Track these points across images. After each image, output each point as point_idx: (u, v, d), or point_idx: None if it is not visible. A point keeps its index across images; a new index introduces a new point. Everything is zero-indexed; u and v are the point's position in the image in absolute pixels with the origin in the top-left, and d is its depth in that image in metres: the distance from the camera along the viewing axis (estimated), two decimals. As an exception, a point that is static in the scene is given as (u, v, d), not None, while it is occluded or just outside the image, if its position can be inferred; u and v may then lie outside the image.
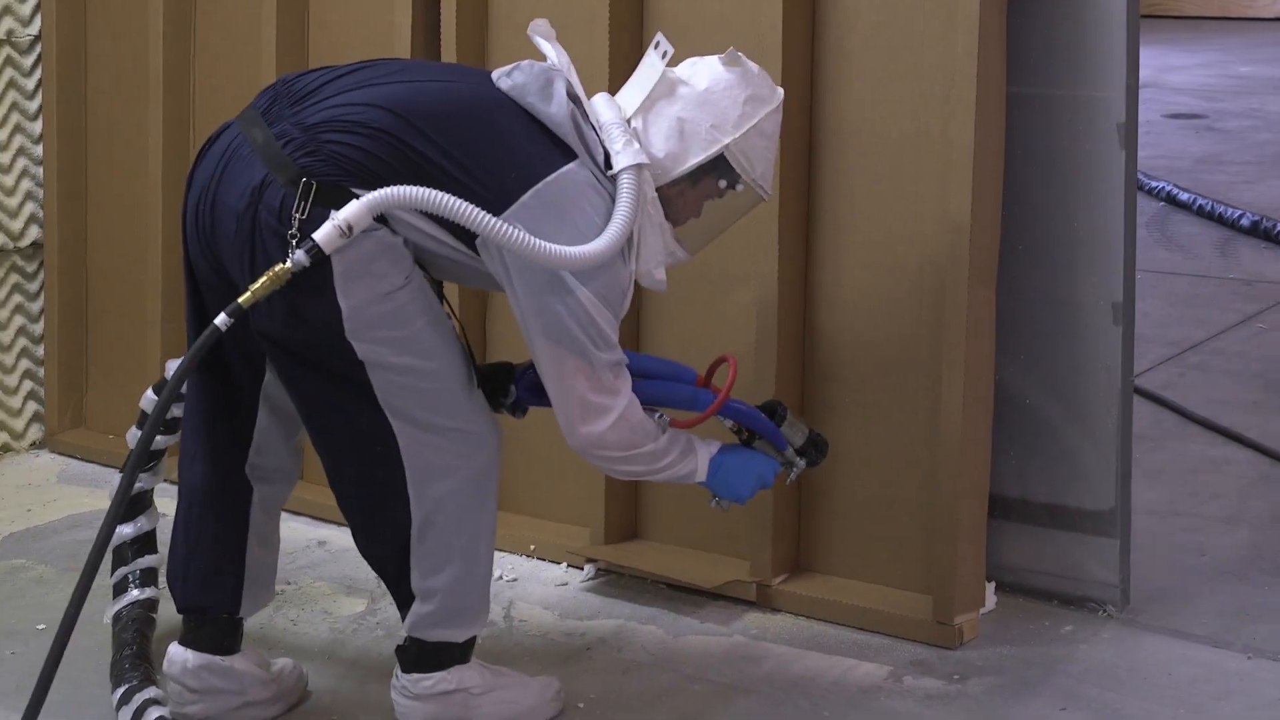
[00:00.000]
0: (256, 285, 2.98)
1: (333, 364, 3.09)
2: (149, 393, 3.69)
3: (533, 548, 4.15)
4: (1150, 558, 4.05)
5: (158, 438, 3.66)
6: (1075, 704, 3.45)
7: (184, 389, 3.33)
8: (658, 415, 3.25)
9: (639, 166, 3.10)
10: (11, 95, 4.84)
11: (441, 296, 3.25)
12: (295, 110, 3.11)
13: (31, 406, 4.96)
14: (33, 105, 4.88)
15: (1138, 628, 3.75)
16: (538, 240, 2.99)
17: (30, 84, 4.87)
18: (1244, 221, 7.16)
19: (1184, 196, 7.55)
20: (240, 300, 2.98)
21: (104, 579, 4.02)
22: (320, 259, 2.98)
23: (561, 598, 3.95)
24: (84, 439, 4.91)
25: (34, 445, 4.97)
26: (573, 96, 3.15)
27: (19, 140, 4.87)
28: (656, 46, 3.17)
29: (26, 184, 4.89)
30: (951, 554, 3.66)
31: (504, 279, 3.09)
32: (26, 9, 4.83)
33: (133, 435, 3.70)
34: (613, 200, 3.09)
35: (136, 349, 4.79)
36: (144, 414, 3.69)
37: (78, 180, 4.92)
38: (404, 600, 3.25)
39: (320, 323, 3.04)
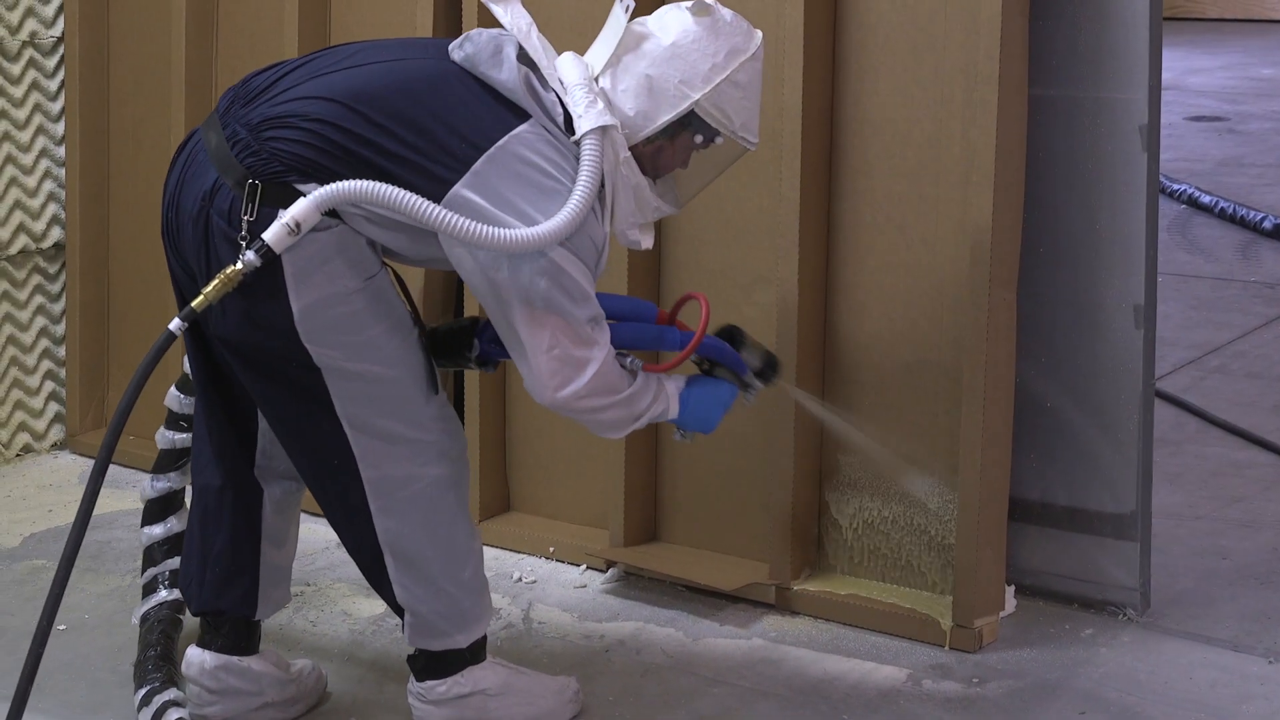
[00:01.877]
0: (209, 289, 2.95)
1: (289, 370, 3.06)
2: (173, 390, 3.70)
3: (552, 550, 4.15)
4: (1171, 561, 4.04)
5: (180, 435, 3.67)
6: (1095, 708, 3.44)
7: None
8: (628, 360, 3.19)
9: (603, 129, 3.02)
10: (34, 97, 4.85)
11: (409, 301, 3.20)
12: (246, 110, 3.07)
13: (53, 407, 4.97)
14: (56, 107, 4.89)
15: (1158, 631, 3.74)
16: (485, 227, 2.92)
17: (53, 85, 4.88)
18: (1266, 224, 7.13)
19: (1206, 199, 7.52)
20: (193, 304, 2.95)
21: (116, 578, 4.03)
22: (271, 258, 2.95)
23: (580, 600, 3.94)
24: (105, 439, 4.91)
25: (55, 446, 4.97)
26: (525, 60, 3.07)
27: (42, 142, 4.88)
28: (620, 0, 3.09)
29: (49, 185, 4.90)
30: (971, 557, 3.66)
31: (464, 256, 3.01)
32: (49, 11, 4.84)
33: (161, 435, 3.71)
34: (575, 157, 3.02)
35: (158, 350, 4.79)
36: (170, 412, 3.69)
37: (100, 181, 4.93)
38: (397, 611, 3.25)
39: (273, 326, 3.01)
